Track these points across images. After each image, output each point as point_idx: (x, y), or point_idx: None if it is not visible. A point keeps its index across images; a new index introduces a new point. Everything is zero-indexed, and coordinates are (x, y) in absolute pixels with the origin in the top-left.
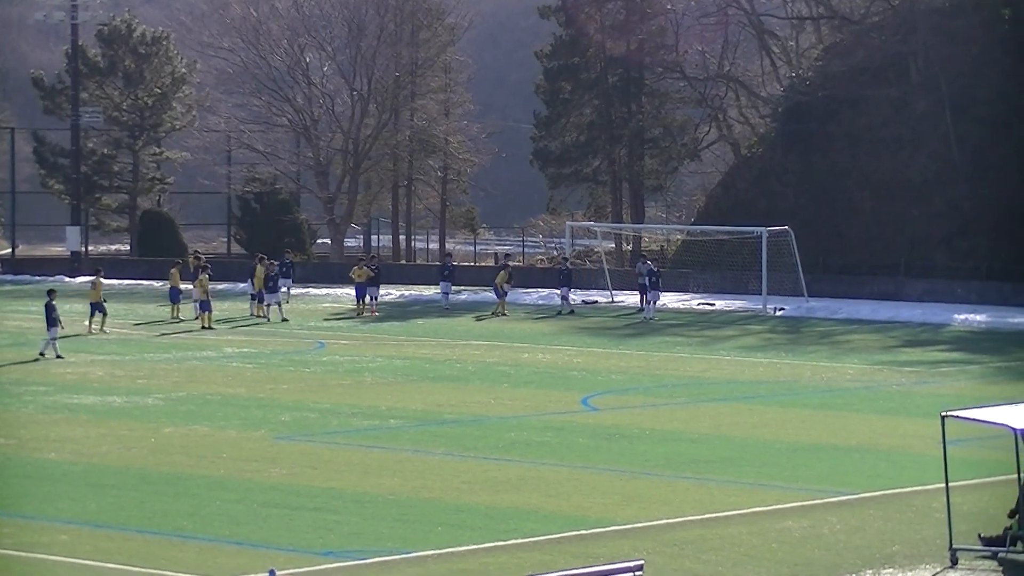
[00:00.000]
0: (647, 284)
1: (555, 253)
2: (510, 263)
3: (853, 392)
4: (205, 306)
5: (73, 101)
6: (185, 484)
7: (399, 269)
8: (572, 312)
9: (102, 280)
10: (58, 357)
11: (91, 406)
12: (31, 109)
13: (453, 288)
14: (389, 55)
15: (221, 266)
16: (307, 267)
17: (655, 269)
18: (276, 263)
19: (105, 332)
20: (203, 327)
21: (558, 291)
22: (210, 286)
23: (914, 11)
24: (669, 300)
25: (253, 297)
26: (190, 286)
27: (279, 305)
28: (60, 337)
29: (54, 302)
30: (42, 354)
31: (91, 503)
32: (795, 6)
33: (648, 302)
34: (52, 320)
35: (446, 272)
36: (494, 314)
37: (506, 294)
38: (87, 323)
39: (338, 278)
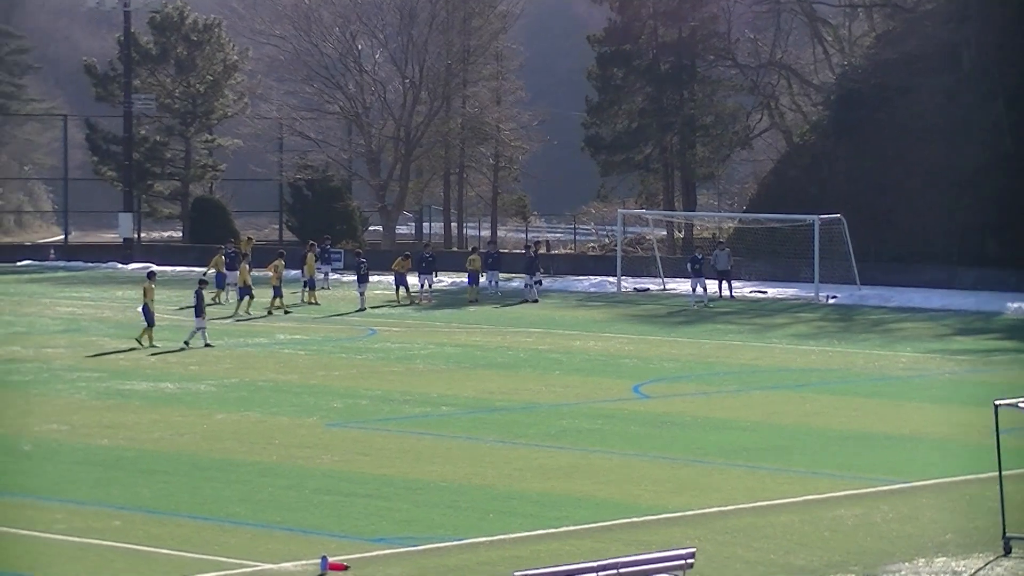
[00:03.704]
0: (699, 270)
1: (607, 240)
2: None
3: (905, 380)
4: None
5: (125, 88)
6: (237, 470)
7: (450, 256)
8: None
9: (281, 263)
10: (207, 345)
11: (144, 392)
12: (84, 96)
13: (502, 276)
14: (441, 42)
15: (271, 253)
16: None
17: (699, 256)
18: (360, 251)
19: (288, 311)
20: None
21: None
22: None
23: None
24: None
25: (305, 284)
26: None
27: (362, 295)
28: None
29: (204, 291)
30: (186, 343)
31: (143, 489)
32: None
33: (703, 289)
34: (200, 309)
35: (490, 260)
36: (472, 301)
37: (478, 279)
38: (269, 304)
39: (389, 265)
